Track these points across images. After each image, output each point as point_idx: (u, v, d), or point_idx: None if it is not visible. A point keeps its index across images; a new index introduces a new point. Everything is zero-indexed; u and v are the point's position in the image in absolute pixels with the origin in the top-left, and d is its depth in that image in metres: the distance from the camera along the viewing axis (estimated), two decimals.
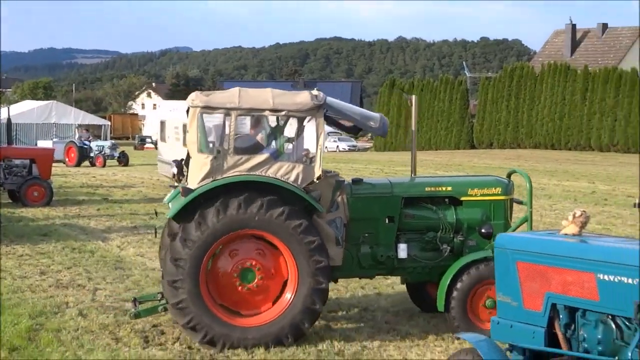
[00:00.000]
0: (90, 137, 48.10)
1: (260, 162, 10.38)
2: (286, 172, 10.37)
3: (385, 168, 39.90)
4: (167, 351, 10.17)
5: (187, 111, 10.93)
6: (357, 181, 11.38)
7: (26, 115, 57.82)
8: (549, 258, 7.00)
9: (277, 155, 10.73)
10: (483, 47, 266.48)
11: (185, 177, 11.70)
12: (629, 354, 6.25)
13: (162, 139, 34.22)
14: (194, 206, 10.25)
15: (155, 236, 11.32)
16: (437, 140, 71.55)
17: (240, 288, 10.43)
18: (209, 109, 10.44)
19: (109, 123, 66.02)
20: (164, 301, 11.27)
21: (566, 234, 7.22)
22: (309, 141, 10.81)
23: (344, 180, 11.03)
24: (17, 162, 26.11)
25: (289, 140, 10.97)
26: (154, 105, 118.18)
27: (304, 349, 10.18)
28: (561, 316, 7.03)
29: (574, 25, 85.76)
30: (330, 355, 9.97)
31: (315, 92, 10.60)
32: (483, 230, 11.16)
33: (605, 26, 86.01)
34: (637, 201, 6.20)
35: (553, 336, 7.08)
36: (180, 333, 10.95)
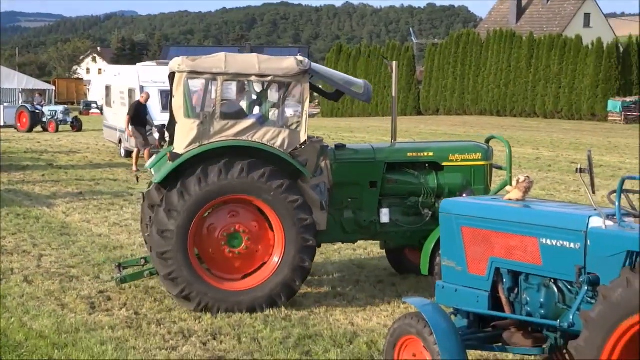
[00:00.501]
0: (43, 102, 47.31)
1: (247, 127, 10.42)
2: (272, 137, 10.43)
3: (332, 134, 39.92)
4: (114, 317, 10.14)
5: (170, 76, 11.02)
6: (340, 147, 11.47)
7: None
8: (492, 223, 7.08)
9: (263, 121, 10.79)
10: (430, 13, 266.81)
11: (167, 142, 11.74)
12: (571, 317, 6.35)
13: (108, 104, 33.87)
14: (181, 171, 10.31)
15: (144, 201, 11.37)
16: (384, 107, 71.68)
17: (228, 253, 10.53)
18: (195, 74, 10.49)
19: (54, 88, 65.10)
20: (148, 266, 11.33)
21: (510, 199, 7.31)
22: (294, 106, 10.83)
23: (327, 146, 11.08)
24: None
25: (275, 105, 10.96)
26: (99, 70, 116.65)
27: (250, 315, 10.21)
28: (505, 280, 7.12)
29: None
30: (277, 321, 10.01)
31: (300, 57, 10.63)
32: (464, 195, 11.29)
33: None
34: (579, 167, 6.27)
35: (497, 300, 7.18)
36: (127, 299, 10.93)
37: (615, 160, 29.91)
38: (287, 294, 10.48)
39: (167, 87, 29.92)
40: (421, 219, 11.35)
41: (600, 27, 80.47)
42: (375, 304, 10.86)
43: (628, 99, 58.78)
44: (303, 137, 10.51)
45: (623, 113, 57.82)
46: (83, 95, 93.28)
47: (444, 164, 11.55)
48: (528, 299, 6.97)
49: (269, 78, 10.53)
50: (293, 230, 10.37)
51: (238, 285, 10.50)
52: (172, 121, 11.39)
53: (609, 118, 58.89)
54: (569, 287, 6.63)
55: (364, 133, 41.91)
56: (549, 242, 6.57)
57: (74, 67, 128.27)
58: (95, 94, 78.68)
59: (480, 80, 68.50)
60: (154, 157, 11.78)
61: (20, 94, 51.65)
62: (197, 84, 11.13)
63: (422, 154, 11.58)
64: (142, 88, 28.08)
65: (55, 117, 45.62)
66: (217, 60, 10.45)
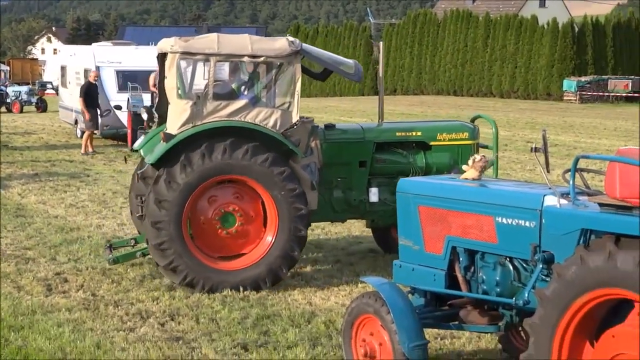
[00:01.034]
0: (7, 82, 46.61)
1: (239, 107, 10.45)
2: (265, 118, 10.47)
3: None
4: (71, 299, 10.09)
5: (159, 57, 11.17)
6: (329, 126, 11.55)
7: None
8: (449, 202, 7.13)
9: (255, 101, 10.80)
10: None
11: (155, 123, 11.85)
12: (526, 295, 6.42)
13: (63, 84, 33.53)
14: (174, 152, 10.32)
15: (138, 181, 11.38)
16: (342, 87, 71.67)
17: (220, 232, 10.58)
18: (188, 54, 10.53)
19: (8, 68, 64.34)
20: (139, 246, 11.39)
21: (466, 179, 7.36)
22: (286, 87, 10.85)
23: (317, 126, 11.11)
24: None
25: (267, 86, 10.97)
26: (55, 50, 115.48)
27: (208, 295, 10.21)
28: (461, 259, 7.17)
29: None
30: (235, 301, 10.02)
31: (291, 38, 10.66)
32: (452, 174, 11.37)
33: None
34: (534, 146, 6.32)
35: (453, 279, 7.23)
36: (84, 280, 10.87)
37: (570, 140, 30.19)
38: (273, 280, 10.52)
39: (123, 67, 29.75)
40: None
41: (555, 7, 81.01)
42: (333, 284, 10.90)
43: (583, 79, 59.27)
44: (295, 118, 10.59)
45: (578, 93, 58.31)
46: (38, 76, 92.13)
47: (432, 143, 11.67)
48: (484, 277, 7.04)
49: (262, 59, 10.57)
50: (287, 218, 10.43)
51: (226, 265, 10.55)
52: (162, 102, 11.49)
53: (565, 97, 59.35)
54: (524, 265, 6.70)
55: (322, 113, 41.85)
56: (504, 220, 6.62)
57: (29, 47, 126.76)
58: (50, 75, 77.71)
59: (437, 60, 68.69)
60: (142, 137, 11.80)
61: None
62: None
63: (410, 134, 11.70)
64: (98, 68, 27.85)
65: (20, 98, 44.97)
66: (210, 41, 10.48)
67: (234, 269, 10.49)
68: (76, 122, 29.65)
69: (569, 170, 6.01)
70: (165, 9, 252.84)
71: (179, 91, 10.55)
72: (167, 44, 10.60)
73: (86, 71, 28.51)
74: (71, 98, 30.42)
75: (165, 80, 10.66)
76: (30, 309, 9.62)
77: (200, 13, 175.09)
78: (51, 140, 29.29)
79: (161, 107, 11.56)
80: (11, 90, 45.32)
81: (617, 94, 57.98)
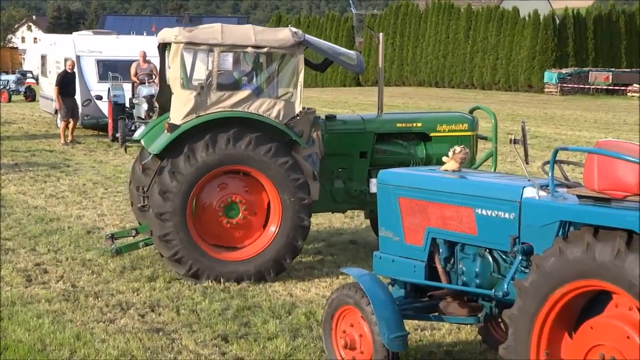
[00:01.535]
0: None
1: (243, 98, 10.47)
2: (268, 108, 10.50)
3: None
4: (50, 290, 10.06)
5: (159, 47, 11.30)
6: (330, 117, 11.60)
7: None
8: (429, 193, 7.14)
9: (258, 92, 10.81)
10: None
11: (156, 113, 11.88)
12: (505, 286, 6.44)
13: (43, 73, 33.36)
14: (178, 142, 10.33)
15: (142, 171, 11.39)
16: (323, 78, 71.61)
17: (224, 223, 10.60)
18: (192, 45, 10.56)
19: None
20: (141, 237, 11.46)
21: (446, 170, 7.38)
22: (289, 77, 10.87)
23: (319, 117, 11.13)
24: None
25: (270, 76, 10.97)
26: (35, 39, 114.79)
27: (189, 286, 10.20)
28: (441, 250, 7.19)
29: None
30: (216, 292, 10.02)
31: (294, 29, 10.68)
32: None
33: None
34: (513, 137, 6.34)
35: (433, 270, 7.25)
36: (64, 271, 10.84)
37: (550, 132, 30.29)
38: (277, 270, 10.57)
39: (103, 57, 29.55)
40: None
41: None
42: (314, 275, 10.92)
43: (564, 71, 59.47)
44: (298, 108, 10.63)
45: (559, 85, 58.51)
46: (18, 65, 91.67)
47: (432, 134, 11.74)
48: (464, 268, 7.06)
49: (265, 49, 10.60)
50: (290, 208, 10.47)
51: (230, 255, 10.59)
52: (162, 92, 11.59)
53: (545, 89, 59.54)
54: (504, 256, 6.73)
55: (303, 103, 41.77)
56: (483, 212, 6.64)
57: (9, 36, 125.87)
58: (30, 64, 77.33)
59: (419, 51, 68.77)
60: (142, 127, 11.80)
61: None
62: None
63: (411, 125, 11.77)
64: (78, 58, 27.72)
65: (7, 87, 44.43)
66: (214, 32, 10.49)
67: (238, 259, 10.53)
68: (56, 112, 29.50)
69: (548, 162, 6.03)
70: None
71: (183, 81, 10.55)
72: (171, 34, 10.61)
73: (66, 60, 28.41)
74: (51, 87, 30.29)
75: (169, 71, 10.69)
76: (10, 300, 9.59)
77: (182, 2, 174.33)
78: (31, 130, 29.15)
79: (162, 97, 11.68)
80: None
81: (598, 87, 58.22)
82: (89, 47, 28.80)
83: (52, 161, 21.22)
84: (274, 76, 10.94)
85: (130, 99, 25.39)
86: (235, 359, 7.97)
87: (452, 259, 7.19)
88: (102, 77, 27.66)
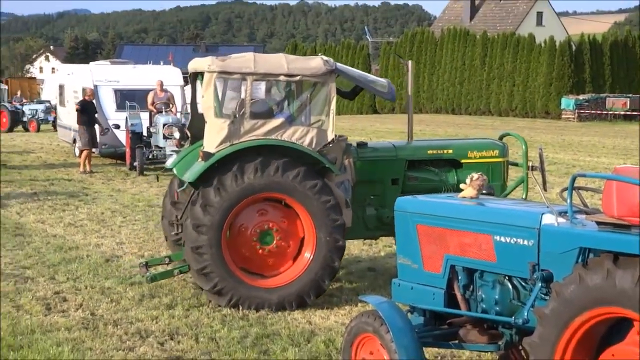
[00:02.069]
0: (24, 101, 46.11)
1: (276, 126, 10.54)
2: (301, 136, 10.57)
3: None
4: (70, 318, 10.09)
5: (191, 76, 11.51)
6: (362, 144, 11.68)
7: None
8: (447, 220, 7.14)
9: (291, 120, 10.86)
10: (384, 12, 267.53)
11: (188, 141, 12.00)
12: (525, 314, 6.42)
13: (61, 103, 33.58)
14: (211, 170, 10.43)
15: (177, 198, 11.51)
16: (340, 105, 71.67)
17: (260, 250, 10.66)
18: (225, 74, 10.64)
19: (6, 87, 64.33)
20: (174, 264, 11.51)
21: (464, 197, 7.38)
22: (321, 105, 10.94)
23: (350, 144, 11.19)
24: None
25: (302, 104, 11.05)
26: (53, 68, 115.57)
27: (208, 314, 10.21)
28: (460, 277, 7.17)
29: None
30: (235, 320, 10.02)
31: (325, 57, 10.75)
32: (483, 192, 11.42)
33: None
34: (531, 164, 6.34)
35: (452, 297, 7.23)
36: (83, 299, 10.87)
37: (568, 158, 30.21)
38: (316, 292, 10.61)
39: (121, 86, 29.73)
40: None
41: (552, 25, 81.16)
42: (333, 303, 10.90)
43: (581, 97, 59.35)
44: (330, 136, 10.67)
45: (576, 111, 58.40)
46: (36, 95, 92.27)
47: (463, 161, 11.77)
48: (483, 296, 7.04)
49: (297, 78, 10.67)
50: (324, 230, 10.51)
51: (268, 282, 10.63)
52: (194, 121, 11.76)
53: (563, 116, 59.43)
54: (523, 284, 6.70)
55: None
56: (502, 239, 6.63)
57: (27, 66, 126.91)
58: (48, 93, 77.93)
59: (435, 78, 68.83)
60: (174, 156, 11.87)
61: None
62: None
63: (442, 152, 11.81)
64: (95, 87, 27.90)
65: (37, 116, 44.38)
66: (246, 60, 10.56)
67: (276, 286, 10.55)
68: (74, 140, 29.68)
69: (566, 189, 6.02)
70: (162, 27, 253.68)
71: (216, 110, 10.63)
72: (203, 63, 10.71)
73: (84, 90, 28.61)
74: (69, 117, 30.46)
75: (201, 100, 10.76)
76: (30, 328, 9.62)
77: (198, 32, 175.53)
78: (49, 159, 29.31)
79: (193, 125, 11.83)
80: (27, 108, 44.69)
81: (615, 112, 58.07)
82: (106, 76, 28.99)
83: (70, 190, 21.32)
84: (306, 104, 11.00)
85: (148, 128, 25.52)
86: None
87: (471, 286, 7.17)
88: (120, 106, 27.81)
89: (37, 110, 44.73)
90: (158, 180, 15.86)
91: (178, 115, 25.84)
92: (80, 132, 25.56)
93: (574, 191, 6.00)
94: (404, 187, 11.58)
